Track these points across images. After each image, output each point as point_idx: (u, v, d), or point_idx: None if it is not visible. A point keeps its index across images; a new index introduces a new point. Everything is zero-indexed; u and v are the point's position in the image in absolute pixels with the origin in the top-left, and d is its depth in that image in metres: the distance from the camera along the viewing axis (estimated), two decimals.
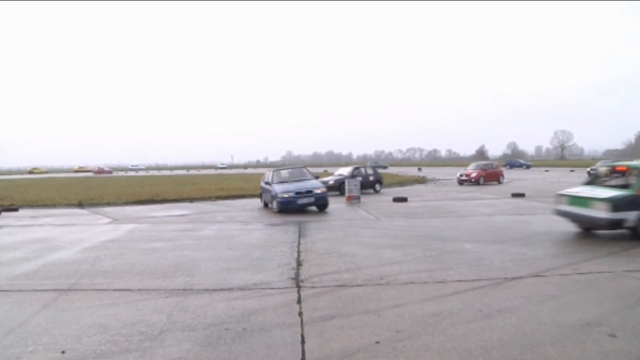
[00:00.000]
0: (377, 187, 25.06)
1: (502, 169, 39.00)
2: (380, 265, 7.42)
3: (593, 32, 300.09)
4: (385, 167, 78.08)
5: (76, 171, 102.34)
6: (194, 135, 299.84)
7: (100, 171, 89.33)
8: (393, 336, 4.43)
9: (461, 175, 30.98)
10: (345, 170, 25.41)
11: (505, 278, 6.49)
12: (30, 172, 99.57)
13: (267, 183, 17.06)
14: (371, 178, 24.98)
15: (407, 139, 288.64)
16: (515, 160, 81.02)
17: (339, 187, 22.28)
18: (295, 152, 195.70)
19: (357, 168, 25.80)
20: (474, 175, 30.36)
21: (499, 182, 31.14)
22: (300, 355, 4.06)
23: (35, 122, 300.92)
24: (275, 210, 15.34)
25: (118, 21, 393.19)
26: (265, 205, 17.26)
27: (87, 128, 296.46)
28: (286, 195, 15.13)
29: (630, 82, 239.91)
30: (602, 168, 11.30)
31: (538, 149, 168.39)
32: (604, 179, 10.78)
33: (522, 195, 20.13)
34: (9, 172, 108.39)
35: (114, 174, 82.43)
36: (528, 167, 70.75)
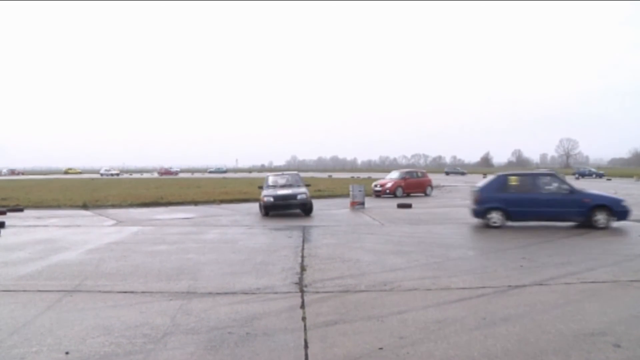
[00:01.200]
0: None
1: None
2: (384, 271, 7.41)
3: (600, 40, 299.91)
4: (463, 174, 75.87)
5: (65, 172, 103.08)
6: (199, 138, 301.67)
7: (166, 172, 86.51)
8: (396, 342, 4.42)
9: (375, 186, 26.05)
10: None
11: (509, 286, 6.46)
12: (66, 172, 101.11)
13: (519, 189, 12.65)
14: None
15: (412, 145, 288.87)
16: (585, 168, 67.75)
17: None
18: (300, 157, 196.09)
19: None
20: (389, 185, 25.45)
21: (426, 194, 26.37)
22: None
23: (38, 122, 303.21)
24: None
25: (127, 26, 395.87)
26: (497, 223, 12.42)
27: (92, 130, 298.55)
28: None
29: (637, 92, 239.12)
30: None
31: (543, 156, 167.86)
32: None
33: None
34: (46, 172, 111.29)
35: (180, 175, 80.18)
36: (600, 176, 59.50)
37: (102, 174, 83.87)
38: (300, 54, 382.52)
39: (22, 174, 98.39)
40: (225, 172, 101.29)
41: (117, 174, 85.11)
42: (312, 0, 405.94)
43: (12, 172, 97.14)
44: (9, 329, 4.85)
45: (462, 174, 76.06)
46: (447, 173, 77.61)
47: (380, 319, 5.11)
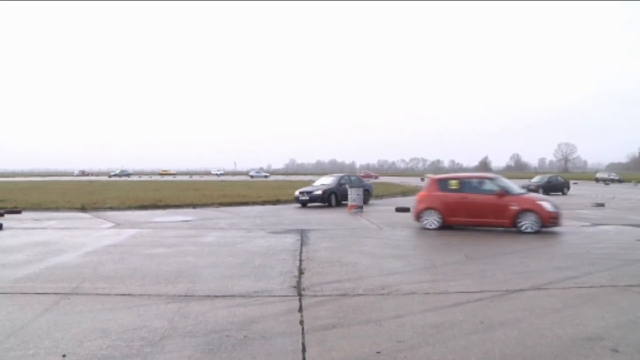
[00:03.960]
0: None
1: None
2: (382, 275, 7.41)
3: (600, 45, 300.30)
4: (620, 181, 57.91)
5: (161, 174, 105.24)
6: (198, 141, 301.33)
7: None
8: (394, 346, 4.42)
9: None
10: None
11: (507, 290, 6.47)
12: (161, 174, 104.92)
13: None
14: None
15: (410, 149, 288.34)
16: None
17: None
18: (299, 160, 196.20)
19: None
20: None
21: None
22: None
23: (36, 124, 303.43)
24: None
25: (128, 28, 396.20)
26: None
27: (91, 132, 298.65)
28: None
29: (636, 97, 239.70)
30: None
31: (541, 161, 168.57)
32: None
33: None
34: (143, 173, 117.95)
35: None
36: None
37: (251, 176, 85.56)
38: (299, 57, 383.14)
39: (91, 175, 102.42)
40: (128, 175, 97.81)
41: (267, 176, 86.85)
42: (312, 2, 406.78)
43: (82, 173, 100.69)
44: (6, 332, 4.84)
45: (618, 181, 58.08)
46: (600, 180, 59.18)
47: (378, 322, 5.11)
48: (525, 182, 33.37)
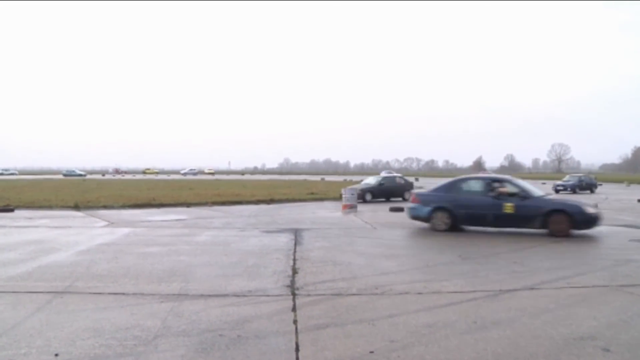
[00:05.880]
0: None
1: None
2: (376, 275, 7.42)
3: (595, 47, 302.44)
4: None
5: (209, 173, 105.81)
6: (193, 140, 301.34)
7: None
8: (387, 346, 4.42)
9: None
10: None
11: (501, 290, 6.50)
12: (209, 173, 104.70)
13: None
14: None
15: (405, 149, 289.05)
16: None
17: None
18: (293, 160, 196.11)
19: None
20: None
21: None
22: None
23: (34, 124, 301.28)
24: None
25: (122, 28, 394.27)
26: None
27: (86, 131, 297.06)
28: None
29: (629, 98, 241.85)
30: None
31: (535, 161, 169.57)
32: None
33: None
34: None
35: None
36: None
37: (184, 174, 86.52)
38: (294, 57, 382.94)
39: (125, 173, 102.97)
40: (77, 175, 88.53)
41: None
42: (307, 1, 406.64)
43: (116, 171, 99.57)
44: None
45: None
46: None
47: (371, 322, 5.11)
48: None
